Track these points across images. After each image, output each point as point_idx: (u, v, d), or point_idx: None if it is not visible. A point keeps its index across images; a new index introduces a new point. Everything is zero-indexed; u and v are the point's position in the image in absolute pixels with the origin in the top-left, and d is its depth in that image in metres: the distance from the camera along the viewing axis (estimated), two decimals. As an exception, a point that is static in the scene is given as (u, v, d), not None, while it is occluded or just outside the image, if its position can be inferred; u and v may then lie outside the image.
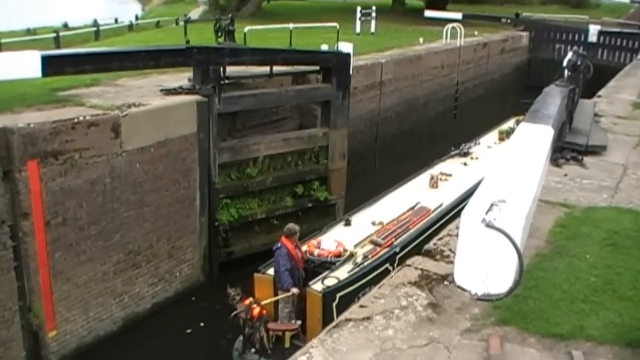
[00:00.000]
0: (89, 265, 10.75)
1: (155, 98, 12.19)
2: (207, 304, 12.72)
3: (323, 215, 15.71)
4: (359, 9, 28.26)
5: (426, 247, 7.04)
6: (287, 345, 9.60)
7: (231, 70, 13.80)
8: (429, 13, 35.10)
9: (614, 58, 32.05)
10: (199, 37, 18.12)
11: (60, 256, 10.24)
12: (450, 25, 26.44)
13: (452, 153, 16.07)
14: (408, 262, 6.66)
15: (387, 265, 10.25)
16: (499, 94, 30.05)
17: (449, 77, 25.14)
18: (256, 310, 9.54)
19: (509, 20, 36.07)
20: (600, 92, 18.10)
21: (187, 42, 13.27)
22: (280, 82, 15.33)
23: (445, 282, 6.15)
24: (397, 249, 10.59)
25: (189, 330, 11.81)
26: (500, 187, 4.56)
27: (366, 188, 16.71)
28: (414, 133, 22.61)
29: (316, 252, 10.33)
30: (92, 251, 10.74)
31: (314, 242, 10.64)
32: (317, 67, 15.57)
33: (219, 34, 15.69)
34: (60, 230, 10.17)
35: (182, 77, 13.68)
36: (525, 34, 33.99)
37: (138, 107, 11.37)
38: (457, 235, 4.45)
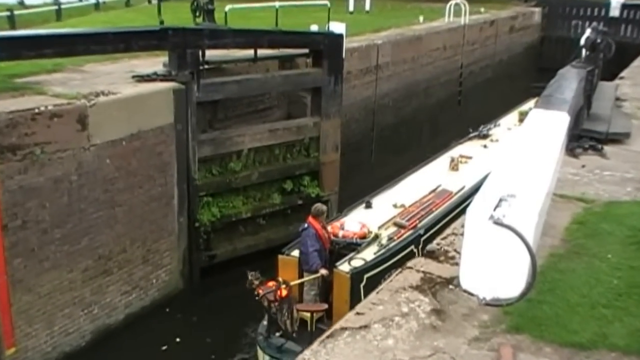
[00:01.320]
0: (54, 272, 10.68)
1: (126, 86, 12.11)
2: (187, 314, 12.70)
3: (315, 214, 15.72)
4: (352, -15, 28.24)
5: (429, 247, 7.01)
6: (311, 329, 10.16)
7: (211, 54, 13.73)
8: (429, -11, 35.09)
9: None
10: (175, 17, 17.98)
11: (19, 263, 10.16)
12: (453, 2, 26.42)
13: (471, 135, 16.68)
14: (409, 264, 6.63)
15: (412, 247, 10.95)
16: (508, 77, 30.10)
17: (452, 60, 25.14)
18: (284, 292, 9.96)
19: (519, -5, 36.18)
20: (623, 74, 18.10)
21: (161, 22, 13.18)
22: (265, 67, 15.28)
23: (451, 286, 6.12)
24: (422, 231, 11.29)
25: (164, 347, 11.76)
26: (510, 181, 4.53)
27: (362, 183, 16.70)
28: (413, 122, 22.62)
29: (340, 233, 11.00)
30: (56, 257, 10.66)
31: (337, 223, 11.34)
32: (306, 50, 15.52)
33: (197, 13, 15.54)
34: (19, 234, 10.08)
35: (156, 62, 13.60)
36: (537, 9, 34.04)
37: (107, 96, 11.29)
38: (462, 234, 4.43)
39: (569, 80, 8.70)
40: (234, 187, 13.98)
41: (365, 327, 5.62)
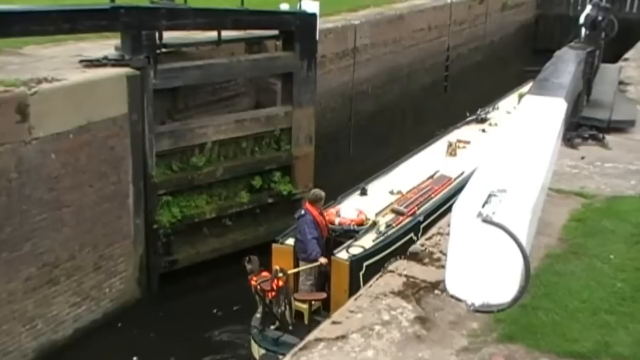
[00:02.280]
0: (-8, 282, 10.53)
1: (73, 71, 11.96)
2: (145, 326, 12.60)
3: (287, 213, 15.60)
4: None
5: (412, 248, 7.03)
6: (307, 321, 10.70)
7: (169, 36, 13.64)
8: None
9: None
10: (128, -5, 17.86)
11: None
12: (439, -23, 26.52)
13: (469, 119, 17.33)
14: (390, 267, 6.66)
15: (412, 234, 11.48)
16: (500, 60, 30.28)
17: (438, 41, 25.22)
18: (281, 281, 10.42)
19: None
20: (627, 55, 18.28)
21: (112, 0, 13.05)
22: (230, 51, 15.21)
23: (436, 291, 6.14)
24: (421, 218, 11.85)
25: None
26: (500, 174, 4.53)
27: (339, 178, 16.69)
28: (395, 110, 22.66)
29: (337, 220, 11.50)
30: (-5, 265, 10.51)
31: (332, 210, 11.81)
32: (276, 32, 15.48)
33: (153, -10, 15.44)
34: (-48, 239, 9.94)
35: (107, 45, 13.46)
36: (532, -15, 34.35)
37: (51, 83, 11.14)
38: (448, 234, 4.43)
39: (566, 63, 8.75)
40: (196, 185, 13.91)
41: (343, 337, 5.61)
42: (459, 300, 4.32)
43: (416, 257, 6.83)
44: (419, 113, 23.73)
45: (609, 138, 10.66)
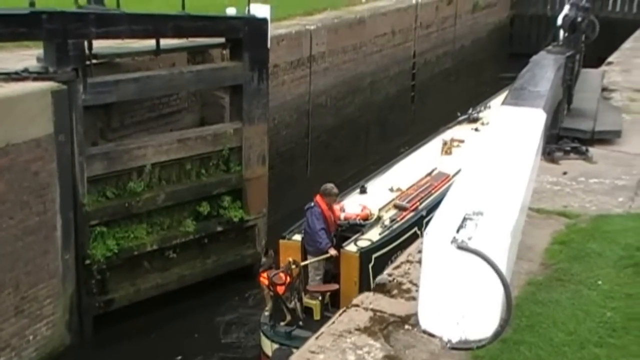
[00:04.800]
0: None
1: (-13, 87, 11.83)
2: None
3: (238, 242, 15.67)
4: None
5: (378, 279, 7.02)
6: (317, 317, 11.80)
7: (101, 45, 13.59)
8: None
9: (632, 9, 32.94)
10: (52, -1, 17.70)
11: None
12: (402, -24, 26.84)
13: (460, 119, 18.68)
14: (355, 301, 6.63)
15: (416, 229, 12.75)
16: (473, 66, 30.71)
17: (403, 47, 25.46)
18: (294, 273, 11.52)
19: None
20: (611, 58, 18.61)
21: (32, 4, 12.83)
22: (171, 62, 15.22)
23: (407, 326, 6.12)
24: (424, 213, 13.12)
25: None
26: (475, 194, 4.57)
27: (297, 201, 16.66)
28: (358, 124, 22.79)
29: (342, 215, 12.83)
30: None
31: (336, 206, 12.88)
32: (222, 40, 15.51)
33: (80, -8, 15.32)
34: None
35: (27, 56, 13.34)
36: (506, -18, 34.92)
37: (-37, 100, 11.02)
38: (419, 262, 4.43)
39: (544, 69, 8.89)
40: (134, 213, 13.81)
41: (304, 383, 5.57)
42: (432, 336, 4.34)
43: (383, 289, 6.81)
44: (383, 127, 23.88)
45: (593, 151, 10.78)
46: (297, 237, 12.47)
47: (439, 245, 4.15)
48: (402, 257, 7.58)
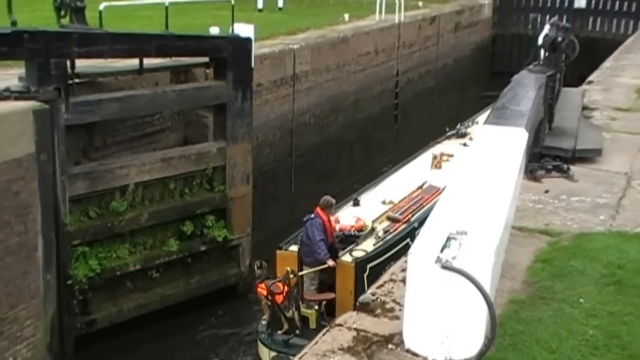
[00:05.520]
0: None
1: (-31, 106, 11.74)
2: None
3: (222, 262, 15.62)
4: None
5: (361, 298, 7.02)
6: (313, 326, 12.30)
7: (83, 64, 13.57)
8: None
9: (611, 28, 33.24)
10: (33, 17, 17.64)
11: None
12: (385, -5, 26.96)
13: (449, 134, 19.35)
14: (338, 320, 6.62)
15: (408, 240, 12.91)
16: (455, 84, 30.86)
17: (386, 66, 25.57)
18: (291, 283, 12.00)
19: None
20: (591, 77, 18.72)
21: (14, 23, 12.78)
22: (154, 81, 15.21)
23: (390, 346, 6.11)
24: (416, 225, 13.48)
25: None
26: (459, 214, 4.60)
27: (280, 220, 16.67)
28: (341, 142, 22.84)
29: (337, 226, 13.35)
30: None
31: (331, 218, 13.27)
32: (206, 59, 15.53)
33: (62, 11, 15.29)
34: None
35: (9, 76, 13.30)
36: (487, 1, 35.18)
37: (-56, 120, 10.96)
38: (403, 281, 4.44)
39: (525, 88, 8.97)
40: (117, 233, 13.75)
41: (288, 404, 5.55)
42: (416, 355, 4.34)
43: (367, 308, 6.80)
44: (367, 145, 23.93)
45: (574, 169, 10.84)
46: (294, 248, 12.98)
47: (424, 264, 4.17)
48: (386, 276, 7.58)
